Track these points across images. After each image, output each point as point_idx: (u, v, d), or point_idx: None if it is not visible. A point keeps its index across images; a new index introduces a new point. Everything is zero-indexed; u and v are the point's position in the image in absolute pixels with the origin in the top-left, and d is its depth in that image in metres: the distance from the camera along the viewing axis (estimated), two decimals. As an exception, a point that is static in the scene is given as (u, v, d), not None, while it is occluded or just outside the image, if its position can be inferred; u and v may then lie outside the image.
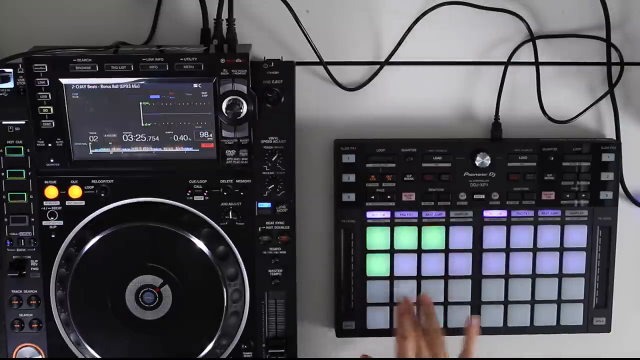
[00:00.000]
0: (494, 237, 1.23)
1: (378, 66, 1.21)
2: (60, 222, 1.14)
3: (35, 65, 1.07)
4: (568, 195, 1.23)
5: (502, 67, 1.22)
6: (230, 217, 1.15)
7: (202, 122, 1.11)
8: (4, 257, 1.16)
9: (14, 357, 1.17)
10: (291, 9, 1.16)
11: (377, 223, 1.22)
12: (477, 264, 1.24)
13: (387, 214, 1.22)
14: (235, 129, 1.12)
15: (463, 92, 1.24)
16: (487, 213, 1.23)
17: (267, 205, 1.15)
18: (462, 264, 1.24)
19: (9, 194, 1.14)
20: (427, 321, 1.16)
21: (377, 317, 1.24)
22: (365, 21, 1.21)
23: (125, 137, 1.11)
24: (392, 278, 1.24)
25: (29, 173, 1.14)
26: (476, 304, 1.25)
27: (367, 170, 1.21)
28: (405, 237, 1.23)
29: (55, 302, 1.15)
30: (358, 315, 1.25)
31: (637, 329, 1.32)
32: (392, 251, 1.23)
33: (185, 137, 1.12)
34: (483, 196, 1.22)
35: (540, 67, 1.22)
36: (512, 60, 1.22)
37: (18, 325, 1.17)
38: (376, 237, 1.23)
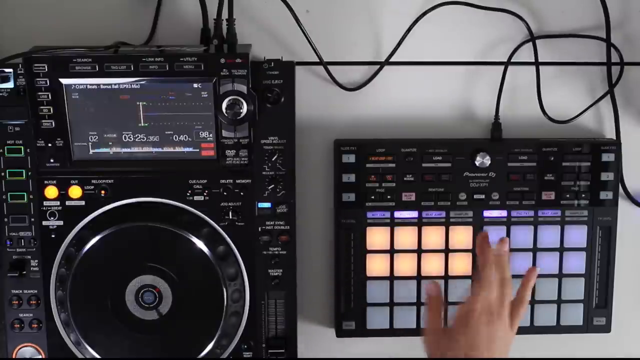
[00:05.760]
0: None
1: (378, 66, 1.21)
2: (60, 222, 1.14)
3: (35, 65, 1.07)
4: (568, 195, 1.23)
5: (502, 67, 1.22)
6: (230, 217, 1.15)
7: (202, 122, 1.11)
8: (4, 257, 1.16)
9: (14, 357, 1.17)
10: (291, 9, 1.16)
11: (377, 223, 1.22)
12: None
13: (387, 214, 1.22)
14: (235, 129, 1.12)
15: (463, 92, 1.24)
16: (487, 213, 1.23)
17: (267, 205, 1.15)
18: (462, 264, 1.24)
19: (9, 194, 1.14)
20: (500, 271, 1.10)
21: (377, 317, 1.24)
22: (365, 21, 1.21)
23: (125, 137, 1.11)
24: (392, 278, 1.24)
25: (29, 173, 1.14)
26: (476, 304, 1.25)
27: (367, 170, 1.21)
28: (405, 237, 1.23)
29: (55, 302, 1.15)
30: (358, 315, 1.24)
31: (637, 329, 1.32)
32: (392, 251, 1.23)
33: (185, 137, 1.12)
34: (483, 196, 1.22)
35: (540, 67, 1.22)
36: (512, 60, 1.22)
37: (18, 325, 1.17)
38: (376, 237, 1.23)
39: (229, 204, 1.15)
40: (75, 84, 1.09)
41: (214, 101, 1.10)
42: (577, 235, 1.24)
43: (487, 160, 1.21)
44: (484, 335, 1.05)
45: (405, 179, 1.22)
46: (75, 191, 1.14)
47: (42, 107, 1.09)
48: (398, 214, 1.22)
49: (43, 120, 1.10)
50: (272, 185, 1.15)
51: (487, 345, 1.05)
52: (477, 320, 1.05)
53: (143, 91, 1.09)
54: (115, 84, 1.09)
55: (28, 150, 1.13)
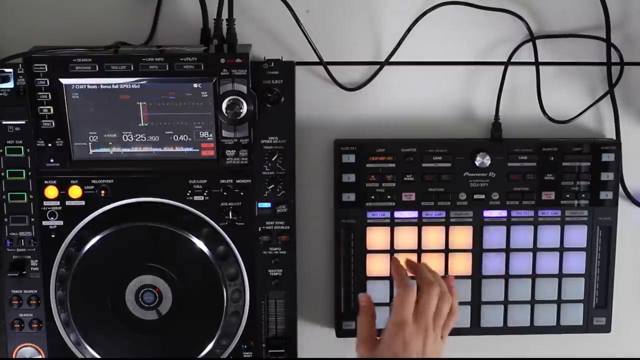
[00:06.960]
0: (494, 237, 1.23)
1: (378, 66, 1.21)
2: (60, 222, 1.14)
3: (35, 65, 1.07)
4: (568, 195, 1.23)
5: (502, 67, 1.22)
6: (230, 217, 1.15)
7: (202, 122, 1.11)
8: (4, 257, 1.16)
9: (14, 357, 1.17)
10: (291, 9, 1.16)
11: (377, 223, 1.22)
12: (477, 264, 1.24)
13: (387, 214, 1.22)
14: (235, 129, 1.12)
15: (463, 92, 1.24)
16: (487, 213, 1.23)
17: (267, 205, 1.15)
18: (462, 264, 1.24)
19: (9, 194, 1.14)
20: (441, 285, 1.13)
21: (377, 317, 1.24)
22: (365, 21, 1.21)
23: (125, 137, 1.12)
24: (392, 278, 1.24)
25: (29, 173, 1.14)
26: (476, 304, 1.25)
27: (367, 170, 1.21)
28: (405, 237, 1.23)
29: (55, 302, 1.15)
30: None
31: (637, 329, 1.32)
32: (392, 251, 1.23)
33: (185, 137, 1.12)
34: (483, 196, 1.22)
35: (540, 67, 1.22)
36: (512, 60, 1.22)
37: (18, 325, 1.17)
38: (376, 237, 1.23)
39: (229, 204, 1.15)
40: (75, 84, 1.09)
41: (214, 101, 1.10)
42: (577, 235, 1.24)
43: (487, 160, 1.21)
44: (416, 347, 1.08)
45: (405, 179, 1.22)
46: (75, 191, 1.14)
47: (42, 107, 1.09)
48: (398, 214, 1.22)
49: (43, 120, 1.10)
50: (272, 185, 1.15)
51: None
52: (410, 331, 1.08)
53: (143, 91, 1.09)
54: (115, 84, 1.09)
55: (28, 150, 1.13)
